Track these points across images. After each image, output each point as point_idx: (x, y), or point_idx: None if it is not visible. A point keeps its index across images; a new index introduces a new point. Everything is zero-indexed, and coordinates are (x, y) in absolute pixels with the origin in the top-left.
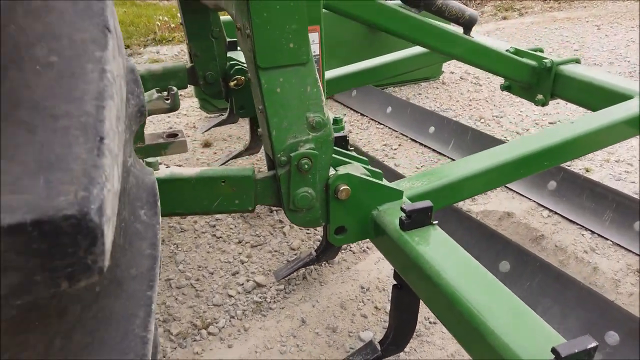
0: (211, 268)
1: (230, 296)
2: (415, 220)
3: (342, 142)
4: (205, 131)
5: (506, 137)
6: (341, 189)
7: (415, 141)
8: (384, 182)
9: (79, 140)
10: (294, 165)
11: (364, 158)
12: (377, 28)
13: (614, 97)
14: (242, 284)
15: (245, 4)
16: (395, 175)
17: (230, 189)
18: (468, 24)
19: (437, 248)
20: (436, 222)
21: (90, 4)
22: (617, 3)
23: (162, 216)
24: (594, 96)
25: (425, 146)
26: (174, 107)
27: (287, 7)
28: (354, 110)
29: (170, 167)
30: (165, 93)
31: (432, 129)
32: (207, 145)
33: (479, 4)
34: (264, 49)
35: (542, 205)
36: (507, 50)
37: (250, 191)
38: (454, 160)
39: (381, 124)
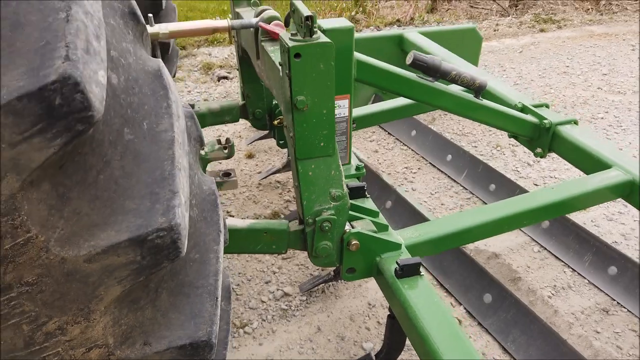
0: (249, 275)
1: (263, 302)
2: (407, 271)
3: (360, 191)
4: (250, 143)
5: (517, 167)
6: (352, 242)
7: (434, 166)
8: (390, 231)
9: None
10: (317, 226)
11: (375, 210)
12: (399, 95)
13: (597, 164)
14: (273, 292)
15: (290, 116)
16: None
17: (270, 238)
18: (478, 90)
19: (419, 296)
20: (422, 274)
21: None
22: None
23: None
24: (581, 159)
25: (441, 172)
26: (230, 155)
27: (321, 120)
28: (382, 129)
29: (227, 218)
30: (223, 142)
31: (449, 157)
32: (250, 156)
33: (519, 10)
34: (302, 146)
35: (535, 241)
36: (515, 105)
37: (284, 240)
38: (465, 188)
39: (405, 144)
